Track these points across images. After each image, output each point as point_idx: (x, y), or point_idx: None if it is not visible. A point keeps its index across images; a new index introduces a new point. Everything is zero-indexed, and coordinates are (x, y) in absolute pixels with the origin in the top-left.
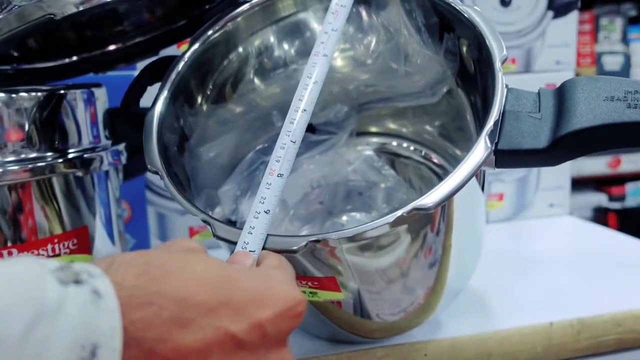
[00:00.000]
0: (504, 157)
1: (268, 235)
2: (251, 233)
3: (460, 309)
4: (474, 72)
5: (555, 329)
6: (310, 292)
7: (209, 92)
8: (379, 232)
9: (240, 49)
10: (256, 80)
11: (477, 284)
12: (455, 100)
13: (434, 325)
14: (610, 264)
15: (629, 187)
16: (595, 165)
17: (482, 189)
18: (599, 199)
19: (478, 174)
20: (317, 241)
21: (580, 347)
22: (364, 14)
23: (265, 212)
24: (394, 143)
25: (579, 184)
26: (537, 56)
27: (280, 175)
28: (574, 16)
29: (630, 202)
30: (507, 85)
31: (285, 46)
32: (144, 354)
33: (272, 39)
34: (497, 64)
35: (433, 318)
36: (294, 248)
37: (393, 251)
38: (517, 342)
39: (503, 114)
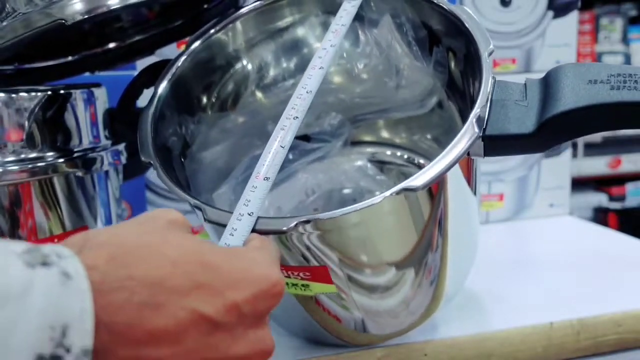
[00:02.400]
0: (492, 144)
1: (258, 217)
2: (232, 235)
3: (460, 309)
4: (462, 85)
5: (555, 329)
6: (303, 285)
7: (213, 101)
8: (368, 213)
9: (243, 62)
10: (257, 93)
11: (477, 284)
12: (446, 112)
13: (434, 325)
14: (610, 264)
15: (629, 187)
16: (595, 165)
17: (475, 190)
18: (599, 199)
19: (470, 174)
20: (307, 222)
21: (581, 347)
22: (358, 30)
23: (249, 215)
24: (388, 152)
25: (579, 184)
26: (537, 56)
27: (266, 178)
28: (574, 16)
29: (630, 202)
30: (494, 77)
31: (284, 63)
32: (115, 338)
33: (270, 56)
34: (484, 55)
35: (431, 319)
36: (284, 228)
37: (385, 236)
38: (517, 342)
39: (490, 103)
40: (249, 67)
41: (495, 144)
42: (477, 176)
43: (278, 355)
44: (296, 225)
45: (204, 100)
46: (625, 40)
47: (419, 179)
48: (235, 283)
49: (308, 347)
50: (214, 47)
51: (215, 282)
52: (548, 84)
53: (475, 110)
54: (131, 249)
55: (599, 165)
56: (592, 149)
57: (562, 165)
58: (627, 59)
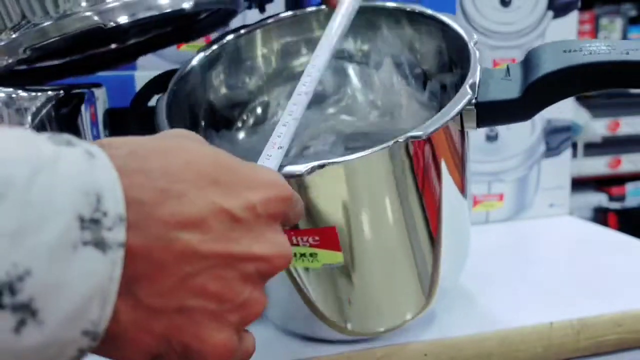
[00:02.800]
0: (483, 111)
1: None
2: None
3: (460, 309)
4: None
5: (556, 329)
6: (311, 255)
7: (239, 123)
8: (380, 157)
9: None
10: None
11: (477, 283)
12: None
13: (434, 325)
14: (610, 264)
15: (629, 187)
16: (595, 165)
17: (464, 184)
18: (599, 199)
19: (461, 152)
20: (322, 166)
21: (581, 347)
22: (365, 73)
23: None
24: None
25: (579, 184)
26: None
27: (280, 147)
28: (574, 16)
29: (630, 202)
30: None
31: None
32: (145, 216)
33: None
34: (471, 44)
35: (429, 316)
36: (298, 172)
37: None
38: (517, 342)
39: (479, 80)
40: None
41: (486, 111)
42: (468, 171)
43: (278, 355)
44: (311, 169)
45: (231, 116)
46: (625, 40)
47: (423, 129)
48: (250, 183)
49: (308, 347)
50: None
51: (231, 180)
52: (528, 60)
53: (468, 79)
54: (149, 148)
55: (598, 165)
56: (592, 149)
57: (562, 165)
58: None
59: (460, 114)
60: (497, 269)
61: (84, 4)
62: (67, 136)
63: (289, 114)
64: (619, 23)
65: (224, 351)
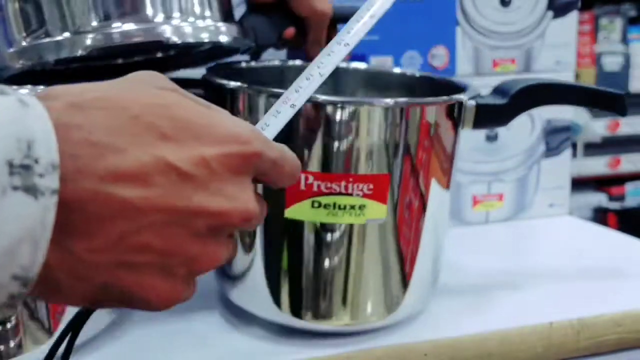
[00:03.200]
0: (480, 111)
1: None
2: None
3: (460, 309)
4: None
5: (555, 329)
6: (360, 207)
7: None
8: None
9: None
10: None
11: (478, 283)
12: None
13: (434, 325)
14: (610, 264)
15: (629, 187)
16: (595, 165)
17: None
18: (599, 199)
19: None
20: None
21: (581, 347)
22: None
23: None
24: None
25: (579, 184)
26: (536, 56)
27: (293, 105)
28: (573, 16)
29: (630, 202)
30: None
31: None
32: (79, 169)
33: None
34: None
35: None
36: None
37: None
38: (517, 342)
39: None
40: None
41: (483, 111)
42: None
43: (278, 355)
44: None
45: None
46: (624, 40)
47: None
48: (205, 137)
49: (308, 347)
50: None
51: (184, 134)
52: (500, 87)
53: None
54: (90, 100)
55: (598, 165)
56: (591, 149)
57: (561, 165)
58: (627, 59)
59: (462, 114)
60: (497, 269)
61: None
62: (1, 86)
63: (318, 67)
64: (618, 23)
65: (168, 298)
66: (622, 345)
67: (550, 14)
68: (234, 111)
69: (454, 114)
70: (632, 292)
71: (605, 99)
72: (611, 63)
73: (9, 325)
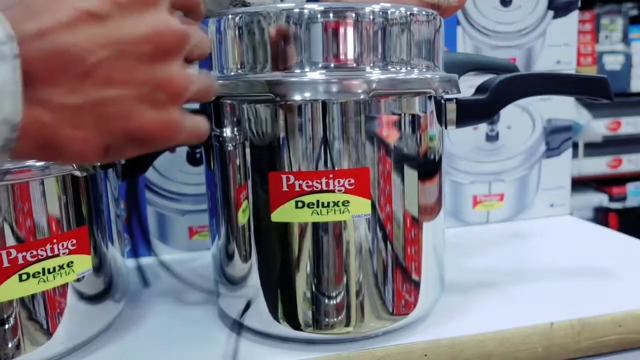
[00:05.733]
0: (461, 109)
1: None
2: None
3: (460, 309)
4: None
5: (556, 329)
6: (343, 204)
7: None
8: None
9: None
10: None
11: (478, 283)
12: None
13: (434, 325)
14: (610, 264)
15: (630, 187)
16: (595, 165)
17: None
18: (600, 199)
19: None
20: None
21: (581, 348)
22: None
23: None
24: None
25: (580, 184)
26: (537, 56)
27: None
28: (574, 16)
29: (631, 202)
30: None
31: None
32: (26, 36)
33: None
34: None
35: (429, 313)
36: None
37: None
38: (517, 342)
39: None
40: None
41: (464, 108)
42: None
43: (278, 355)
44: None
45: None
46: (625, 39)
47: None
48: None
49: (308, 347)
50: None
51: None
52: (481, 86)
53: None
54: None
55: (599, 165)
56: (592, 149)
57: (562, 165)
58: (628, 59)
59: (445, 113)
60: (497, 269)
61: None
62: None
63: None
64: (619, 22)
65: (165, 126)
66: (622, 346)
67: (551, 13)
68: None
69: (427, 105)
70: (633, 292)
71: (586, 84)
72: (612, 62)
73: (7, 326)
